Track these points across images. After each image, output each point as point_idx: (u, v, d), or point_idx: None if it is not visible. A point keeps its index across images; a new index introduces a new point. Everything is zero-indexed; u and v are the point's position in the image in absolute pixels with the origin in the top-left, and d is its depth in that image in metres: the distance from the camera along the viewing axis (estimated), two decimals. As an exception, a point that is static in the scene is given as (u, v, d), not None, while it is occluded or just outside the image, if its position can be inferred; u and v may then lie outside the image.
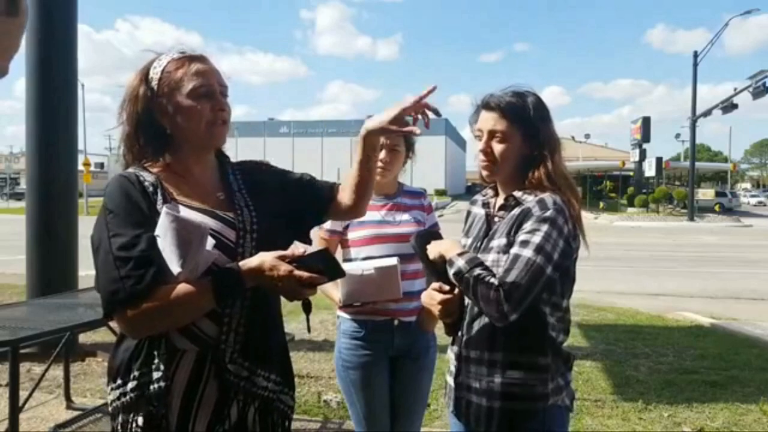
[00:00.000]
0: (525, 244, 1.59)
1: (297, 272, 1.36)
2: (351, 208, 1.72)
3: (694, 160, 34.02)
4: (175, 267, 1.35)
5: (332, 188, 1.74)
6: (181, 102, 1.47)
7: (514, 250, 1.60)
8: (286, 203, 1.64)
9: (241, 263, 1.40)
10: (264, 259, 1.38)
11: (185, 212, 1.43)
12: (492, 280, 1.57)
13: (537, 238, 1.59)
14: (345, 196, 1.70)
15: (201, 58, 1.52)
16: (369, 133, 1.63)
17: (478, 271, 1.59)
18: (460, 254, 1.66)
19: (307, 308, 1.58)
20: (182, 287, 1.36)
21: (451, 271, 1.66)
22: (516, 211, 1.69)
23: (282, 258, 1.37)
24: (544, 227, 1.60)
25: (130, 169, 1.50)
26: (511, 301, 1.53)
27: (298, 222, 1.69)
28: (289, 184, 1.70)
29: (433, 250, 1.75)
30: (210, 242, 1.40)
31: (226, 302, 1.42)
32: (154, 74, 1.49)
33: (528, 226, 1.62)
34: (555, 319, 1.69)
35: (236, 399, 1.47)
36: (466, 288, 1.62)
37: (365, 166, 1.67)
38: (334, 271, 1.42)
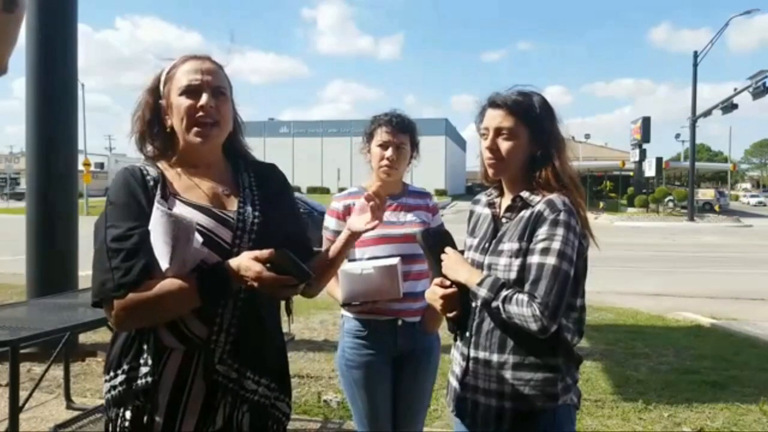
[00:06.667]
0: (546, 251, 1.59)
1: (265, 273, 1.33)
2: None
3: (694, 160, 34.02)
4: (164, 262, 1.36)
5: (312, 252, 1.67)
6: (172, 100, 1.51)
7: (536, 259, 1.60)
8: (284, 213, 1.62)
9: (228, 262, 1.39)
10: (241, 259, 1.37)
11: (177, 209, 1.43)
12: (522, 296, 1.57)
13: (557, 244, 1.58)
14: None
15: (202, 57, 1.54)
16: (354, 234, 1.65)
17: (504, 293, 1.59)
18: (480, 283, 1.65)
19: (287, 310, 1.58)
20: (168, 283, 1.36)
21: (477, 303, 1.67)
22: (525, 213, 1.68)
23: (257, 259, 1.35)
24: (561, 231, 1.60)
25: (138, 163, 1.53)
26: (548, 313, 1.53)
27: None
28: (289, 201, 1.68)
29: (450, 274, 1.74)
30: (198, 240, 1.40)
31: (212, 301, 1.41)
32: (163, 75, 1.54)
33: (543, 231, 1.61)
34: (569, 321, 1.67)
35: (224, 401, 1.46)
36: (497, 314, 1.62)
37: (341, 257, 1.69)
38: (300, 272, 1.37)
